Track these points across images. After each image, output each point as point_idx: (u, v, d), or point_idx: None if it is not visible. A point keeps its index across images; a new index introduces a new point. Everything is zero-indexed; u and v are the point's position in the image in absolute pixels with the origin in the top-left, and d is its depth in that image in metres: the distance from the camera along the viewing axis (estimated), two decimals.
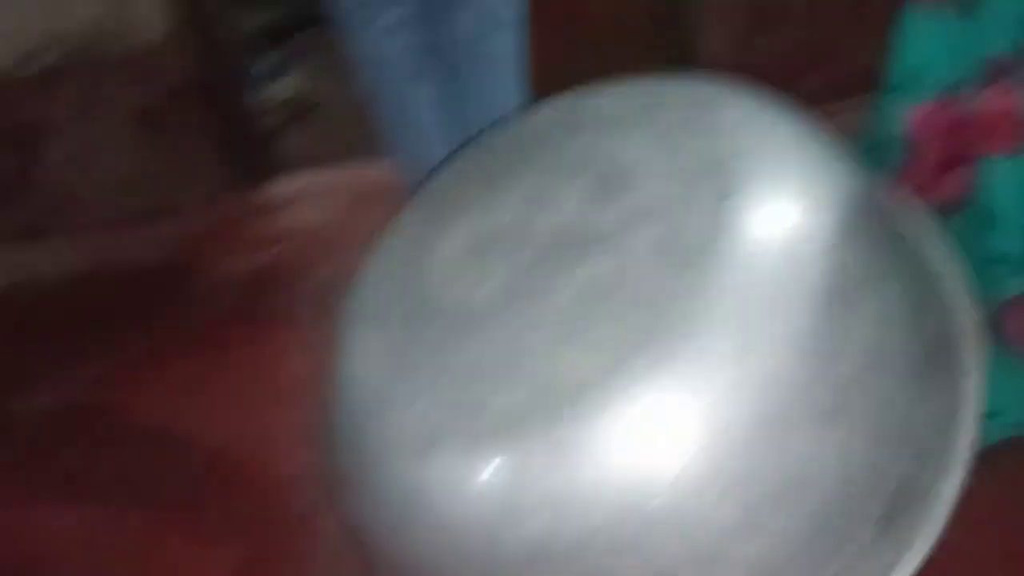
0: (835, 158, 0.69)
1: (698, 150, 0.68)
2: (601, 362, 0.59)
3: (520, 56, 1.44)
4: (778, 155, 0.67)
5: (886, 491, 0.60)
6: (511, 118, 0.88)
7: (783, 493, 0.58)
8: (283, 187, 2.24)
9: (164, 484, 1.18)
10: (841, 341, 0.59)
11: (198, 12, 2.20)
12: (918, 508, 0.62)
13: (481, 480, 0.59)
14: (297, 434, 1.22)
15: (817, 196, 0.64)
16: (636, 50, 2.01)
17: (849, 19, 1.86)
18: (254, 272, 1.78)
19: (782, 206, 0.63)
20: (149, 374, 1.45)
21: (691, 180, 0.66)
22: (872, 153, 0.98)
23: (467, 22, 1.40)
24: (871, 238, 0.66)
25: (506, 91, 1.45)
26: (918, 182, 0.96)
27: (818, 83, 1.73)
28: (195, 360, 1.45)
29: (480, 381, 0.63)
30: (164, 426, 1.31)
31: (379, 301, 0.75)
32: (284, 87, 3.03)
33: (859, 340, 0.60)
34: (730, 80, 0.77)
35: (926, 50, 0.91)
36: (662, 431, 0.57)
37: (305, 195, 2.16)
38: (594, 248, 0.66)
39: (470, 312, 0.68)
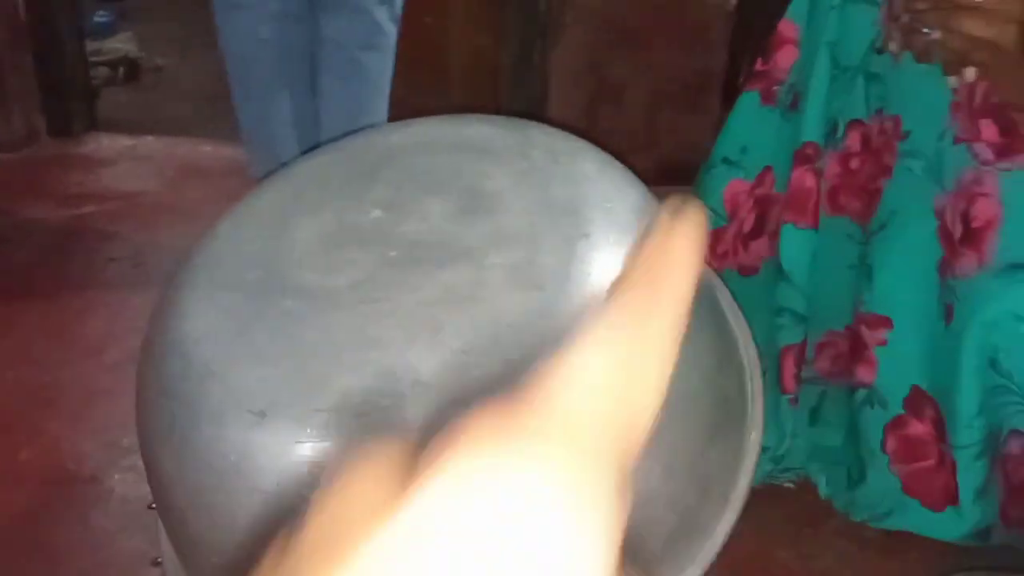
0: None
1: (558, 191, 0.75)
2: (445, 363, 0.63)
3: (387, 79, 1.48)
4: (624, 211, 0.74)
5: (673, 517, 0.68)
6: (378, 128, 0.92)
7: None
8: (103, 145, 2.14)
9: None
10: None
11: None
12: (697, 537, 0.70)
13: (314, 450, 0.61)
14: (86, 396, 1.18)
15: None
16: (485, 104, 2.10)
17: (683, 107, 2.04)
18: (63, 225, 1.68)
19: (623, 256, 0.70)
20: None
21: (550, 216, 0.72)
22: None
23: (346, 31, 1.42)
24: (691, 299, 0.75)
25: (371, 107, 1.47)
26: (730, 246, 1.09)
27: (649, 162, 1.88)
28: None
29: (325, 359, 0.65)
30: None
31: (225, 270, 0.76)
32: (114, 46, 2.90)
33: (670, 384, 0.68)
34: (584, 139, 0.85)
35: (750, 136, 1.05)
36: None
37: (125, 158, 2.07)
38: (453, 260, 0.70)
39: (323, 295, 0.70)
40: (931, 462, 0.95)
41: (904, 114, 0.94)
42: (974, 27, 0.80)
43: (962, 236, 0.89)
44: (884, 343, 0.97)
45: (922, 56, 0.84)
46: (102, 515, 1.01)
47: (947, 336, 0.91)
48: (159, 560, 0.77)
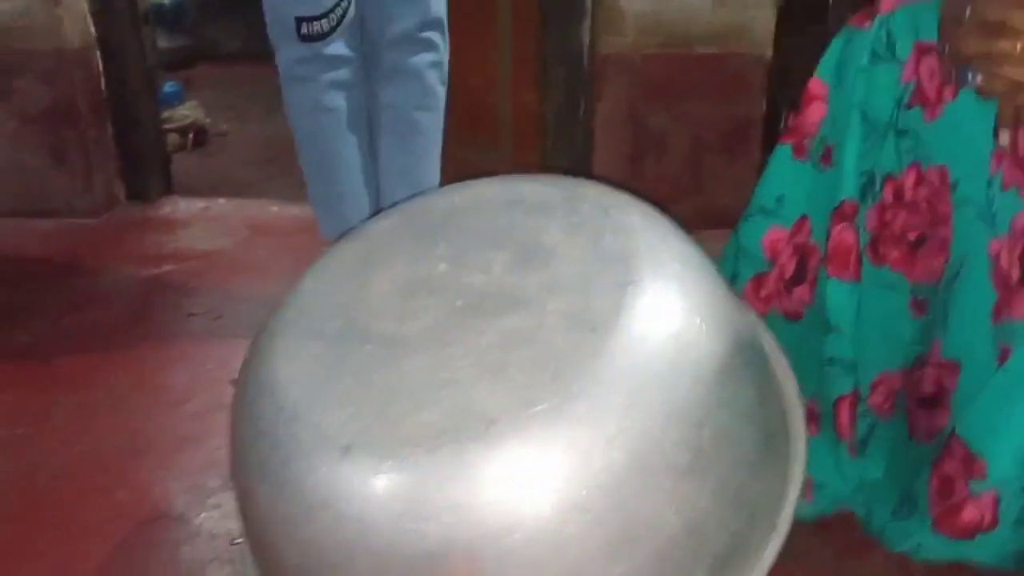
0: (707, 269, 0.84)
1: (608, 242, 0.81)
2: (509, 400, 0.70)
3: (439, 135, 1.58)
4: (671, 260, 0.81)
5: (721, 543, 0.73)
6: (440, 190, 1.00)
7: (639, 531, 0.70)
8: (178, 208, 2.26)
9: (34, 479, 1.19)
10: (703, 414, 0.73)
11: (116, 27, 2.23)
12: (745, 561, 0.75)
13: (394, 481, 0.68)
14: (173, 442, 1.26)
15: (697, 297, 0.79)
16: (532, 158, 2.18)
17: (724, 155, 2.09)
18: (145, 283, 1.79)
19: (671, 300, 0.77)
20: (29, 369, 1.44)
21: (600, 265, 0.79)
22: (734, 262, 1.15)
23: (401, 95, 1.52)
24: (733, 338, 0.80)
25: (426, 161, 1.57)
26: (773, 290, 1.13)
27: (692, 209, 1.93)
28: (76, 359, 1.46)
29: (401, 400, 0.73)
30: (40, 420, 1.31)
31: (310, 320, 0.84)
32: (183, 114, 3.04)
33: (717, 416, 0.74)
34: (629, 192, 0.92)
35: (787, 188, 1.10)
36: (552, 465, 0.69)
37: (199, 219, 2.19)
38: (513, 307, 0.77)
39: (398, 342, 0.78)
40: (957, 499, 0.96)
41: (950, 165, 0.97)
42: (1016, 73, 0.84)
43: (1020, 278, 0.92)
44: (956, 387, 0.99)
45: (984, 92, 0.88)
46: (191, 550, 1.08)
47: (1000, 376, 0.93)
48: None
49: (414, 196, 0.94)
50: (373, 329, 0.80)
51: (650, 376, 0.71)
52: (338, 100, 1.51)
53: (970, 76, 0.88)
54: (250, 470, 0.79)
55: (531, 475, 0.68)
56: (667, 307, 0.76)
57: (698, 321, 0.77)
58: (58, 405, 1.35)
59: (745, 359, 0.81)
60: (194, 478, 1.19)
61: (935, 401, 1.03)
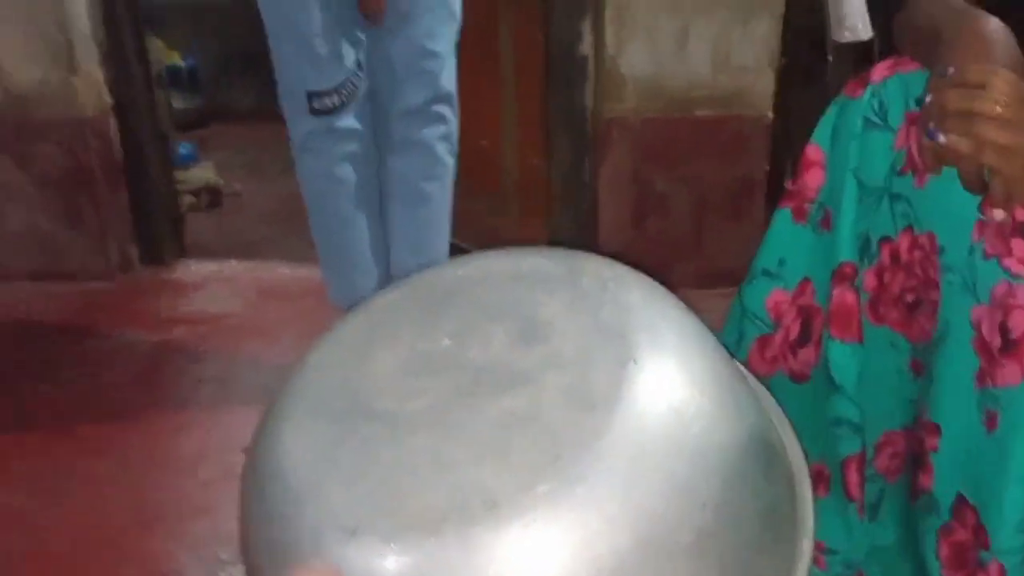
0: (708, 341, 0.85)
1: (607, 318, 0.82)
2: (512, 481, 0.70)
3: (448, 203, 1.60)
4: (670, 335, 0.81)
5: None
6: (443, 264, 1.01)
7: None
8: (191, 270, 2.29)
9: (47, 550, 1.19)
10: (705, 492, 0.73)
11: (131, 92, 2.28)
12: None
13: (399, 563, 0.68)
14: (184, 512, 1.26)
15: (695, 373, 0.79)
16: (538, 218, 2.21)
17: (726, 215, 2.11)
18: (156, 347, 1.81)
19: (671, 377, 0.77)
20: (42, 434, 1.46)
21: (600, 341, 0.80)
22: (739, 323, 1.16)
23: (411, 166, 1.56)
24: (735, 411, 0.81)
25: (435, 228, 1.59)
26: (779, 352, 1.13)
27: (695, 268, 1.95)
28: (89, 426, 1.47)
29: (405, 480, 0.73)
30: (52, 489, 1.32)
31: (314, 399, 0.85)
32: (196, 175, 3.09)
33: (719, 493, 0.74)
34: (629, 264, 0.93)
35: (788, 251, 1.10)
36: (555, 548, 0.69)
37: (212, 281, 2.22)
38: (514, 384, 0.78)
39: (401, 420, 0.78)
40: (968, 570, 0.94)
41: (937, 231, 0.97)
42: (988, 131, 0.85)
43: (1001, 347, 0.91)
44: (936, 450, 0.99)
45: (931, 164, 0.90)
46: None
47: (991, 443, 0.92)
48: None
49: (423, 265, 0.96)
50: (376, 408, 0.81)
51: (651, 454, 0.72)
52: (349, 172, 1.54)
53: (938, 136, 0.89)
54: (260, 554, 0.79)
55: (534, 559, 0.68)
56: (667, 382, 0.76)
57: (699, 395, 0.77)
58: (71, 475, 1.36)
59: (749, 432, 0.81)
60: (205, 550, 1.20)
61: (917, 463, 1.02)
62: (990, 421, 0.94)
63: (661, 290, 0.88)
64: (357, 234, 1.55)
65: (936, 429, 0.99)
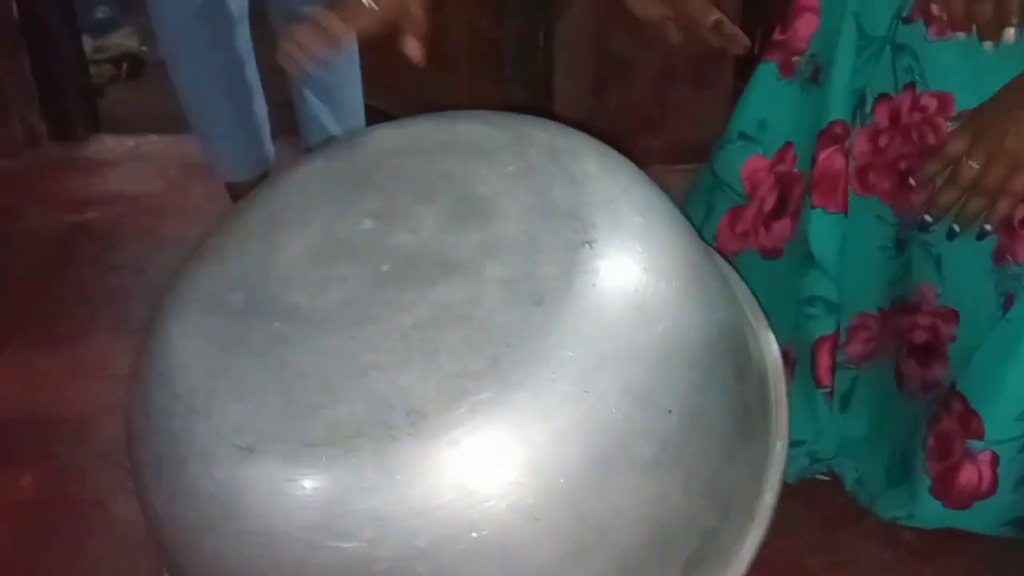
0: (676, 221, 0.73)
1: (557, 194, 0.69)
2: (442, 388, 0.59)
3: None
4: (631, 214, 0.69)
5: (693, 541, 0.64)
6: (367, 129, 0.87)
7: (601, 534, 0.60)
8: (106, 147, 2.11)
9: None
10: (668, 399, 0.62)
11: None
12: (719, 559, 0.66)
13: (305, 488, 0.58)
14: (90, 413, 1.15)
15: (660, 260, 0.67)
16: (492, 86, 2.05)
17: (695, 82, 1.98)
18: (65, 232, 1.66)
19: (631, 264, 0.65)
20: None
21: (549, 222, 0.67)
22: (708, 194, 1.05)
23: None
24: (705, 303, 0.70)
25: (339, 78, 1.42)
26: (751, 226, 1.03)
27: (660, 141, 1.83)
28: None
29: (314, 389, 0.62)
30: None
31: (209, 292, 0.72)
32: (117, 42, 2.88)
33: (684, 400, 0.63)
34: (585, 131, 0.80)
35: (771, 112, 0.99)
36: (492, 466, 0.58)
37: (129, 159, 2.04)
38: (446, 273, 0.65)
39: (311, 317, 0.66)
40: (954, 459, 0.90)
41: (957, 92, 0.87)
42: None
43: (1022, 219, 0.85)
44: (954, 339, 0.92)
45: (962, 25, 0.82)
46: (103, 542, 0.98)
47: (1003, 326, 0.87)
48: None
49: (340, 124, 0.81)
50: (283, 302, 0.69)
51: (608, 356, 0.61)
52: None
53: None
54: (144, 470, 0.68)
55: (468, 480, 0.57)
56: (627, 271, 0.65)
57: (664, 286, 0.65)
58: None
59: (719, 327, 0.70)
60: (112, 456, 1.08)
61: (929, 352, 0.94)
62: (1007, 302, 0.87)
63: (621, 160, 0.75)
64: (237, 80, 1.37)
65: (953, 316, 0.92)
